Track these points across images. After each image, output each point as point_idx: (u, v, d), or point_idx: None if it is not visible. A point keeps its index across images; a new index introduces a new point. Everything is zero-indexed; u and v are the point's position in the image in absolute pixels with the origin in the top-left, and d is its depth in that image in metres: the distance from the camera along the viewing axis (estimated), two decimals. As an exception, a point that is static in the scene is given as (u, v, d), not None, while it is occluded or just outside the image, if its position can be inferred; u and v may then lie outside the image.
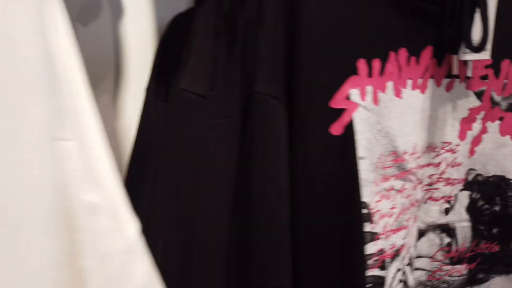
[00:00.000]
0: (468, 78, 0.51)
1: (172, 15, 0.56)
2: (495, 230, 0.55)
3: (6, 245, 0.31)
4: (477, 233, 0.54)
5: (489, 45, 0.48)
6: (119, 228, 0.35)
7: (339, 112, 0.46)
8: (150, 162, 0.51)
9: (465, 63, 0.50)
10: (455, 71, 0.48)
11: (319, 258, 0.46)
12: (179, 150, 0.48)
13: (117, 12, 0.59)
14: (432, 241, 0.53)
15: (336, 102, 0.46)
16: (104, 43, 0.58)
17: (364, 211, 0.47)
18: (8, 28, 0.30)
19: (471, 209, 0.54)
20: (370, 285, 0.48)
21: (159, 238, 0.46)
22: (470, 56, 0.48)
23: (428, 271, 0.53)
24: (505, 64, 0.52)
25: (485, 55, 0.49)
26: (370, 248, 0.48)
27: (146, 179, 0.51)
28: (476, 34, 0.47)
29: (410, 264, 0.51)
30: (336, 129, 0.46)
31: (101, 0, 0.57)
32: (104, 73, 0.58)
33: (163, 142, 0.50)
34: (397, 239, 0.50)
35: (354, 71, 0.46)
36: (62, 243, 0.33)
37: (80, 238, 0.34)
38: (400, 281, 0.51)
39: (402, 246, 0.50)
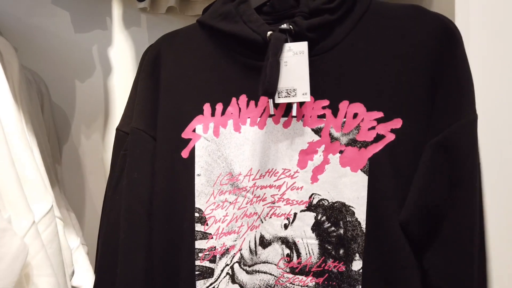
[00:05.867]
0: (304, 117, 0.61)
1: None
2: (341, 251, 0.61)
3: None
4: (324, 251, 0.61)
5: (302, 91, 0.59)
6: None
7: (188, 141, 0.65)
8: None
9: (278, 105, 0.62)
10: (271, 111, 0.60)
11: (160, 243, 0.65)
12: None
13: (107, 70, 0.89)
14: (276, 250, 0.62)
15: (185, 134, 0.65)
16: (97, 94, 0.89)
17: (197, 215, 0.63)
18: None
19: (317, 229, 0.61)
20: (197, 272, 0.63)
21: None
22: (282, 100, 0.59)
23: (275, 276, 0.63)
24: (343, 104, 0.60)
25: (305, 97, 0.59)
26: (203, 244, 0.63)
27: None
28: (285, 82, 0.59)
29: (240, 262, 0.63)
30: (185, 153, 0.65)
31: (94, 61, 0.88)
32: (96, 116, 0.89)
33: None
34: (227, 241, 0.63)
35: (200, 112, 0.64)
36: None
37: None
38: (227, 274, 0.63)
39: (232, 246, 0.63)
